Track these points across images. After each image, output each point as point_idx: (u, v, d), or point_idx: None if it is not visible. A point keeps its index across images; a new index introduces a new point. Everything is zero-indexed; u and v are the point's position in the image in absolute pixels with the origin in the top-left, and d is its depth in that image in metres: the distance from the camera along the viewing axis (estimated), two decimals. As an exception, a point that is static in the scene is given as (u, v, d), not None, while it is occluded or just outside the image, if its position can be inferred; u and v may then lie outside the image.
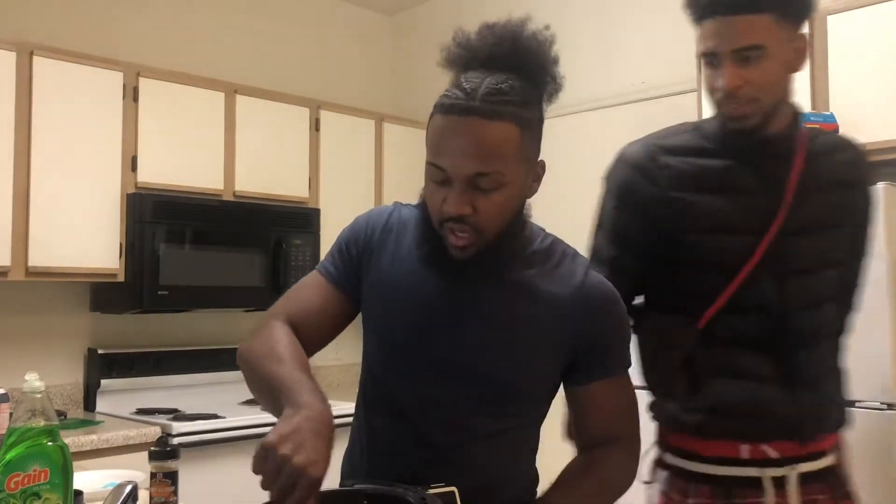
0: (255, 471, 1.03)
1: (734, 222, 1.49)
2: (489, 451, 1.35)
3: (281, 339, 1.30)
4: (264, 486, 1.02)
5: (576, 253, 1.40)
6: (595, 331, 1.34)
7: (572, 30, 3.83)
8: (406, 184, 3.87)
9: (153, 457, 1.62)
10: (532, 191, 1.32)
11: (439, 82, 1.41)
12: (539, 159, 1.32)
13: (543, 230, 1.42)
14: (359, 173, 4.10)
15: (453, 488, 1.22)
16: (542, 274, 1.34)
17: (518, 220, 1.31)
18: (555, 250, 1.38)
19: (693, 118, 1.37)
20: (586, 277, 1.35)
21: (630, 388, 1.41)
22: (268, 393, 1.23)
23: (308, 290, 1.42)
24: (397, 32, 4.77)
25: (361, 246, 1.41)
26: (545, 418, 1.44)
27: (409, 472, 1.30)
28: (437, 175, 1.25)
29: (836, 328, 1.59)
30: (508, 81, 1.23)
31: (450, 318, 1.33)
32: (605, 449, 1.39)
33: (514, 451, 1.40)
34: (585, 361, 1.36)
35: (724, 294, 1.48)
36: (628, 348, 1.41)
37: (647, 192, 1.53)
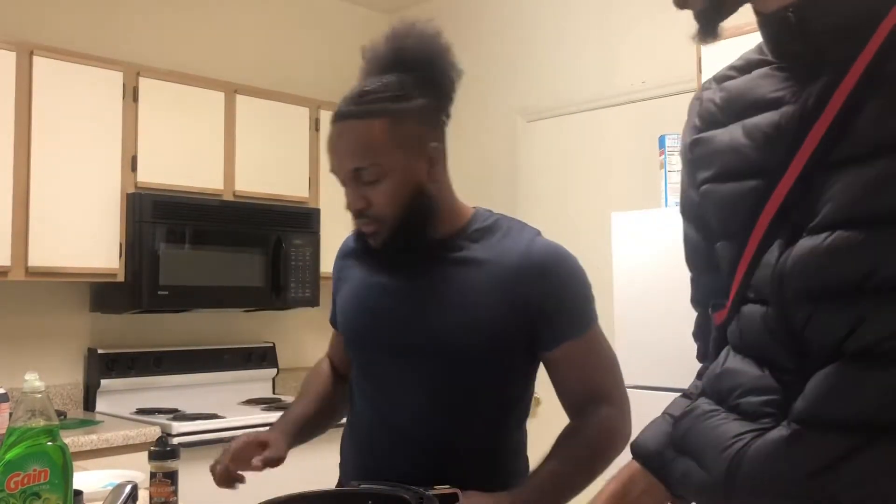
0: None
1: (747, 161, 0.93)
2: (455, 429, 1.37)
3: (315, 375, 1.67)
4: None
5: (524, 225, 1.44)
6: (545, 292, 1.36)
7: (573, 30, 3.83)
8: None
9: (153, 457, 1.62)
10: (432, 175, 1.37)
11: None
12: (432, 144, 1.36)
13: (490, 211, 1.46)
14: (359, 173, 4.09)
15: (457, 490, 1.24)
16: (486, 247, 1.39)
17: (423, 203, 1.35)
18: (500, 225, 1.42)
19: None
20: (531, 243, 1.39)
21: (602, 344, 1.41)
22: None
23: (334, 335, 1.68)
24: (397, 32, 4.77)
25: (336, 286, 1.59)
26: (520, 401, 1.44)
27: (378, 456, 1.40)
28: (338, 180, 1.37)
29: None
30: (384, 80, 1.34)
31: (394, 302, 1.40)
32: (590, 410, 1.39)
33: (485, 429, 1.40)
34: (545, 324, 1.37)
35: (736, 277, 0.95)
36: (588, 305, 1.40)
37: (682, 144, 1.10)
